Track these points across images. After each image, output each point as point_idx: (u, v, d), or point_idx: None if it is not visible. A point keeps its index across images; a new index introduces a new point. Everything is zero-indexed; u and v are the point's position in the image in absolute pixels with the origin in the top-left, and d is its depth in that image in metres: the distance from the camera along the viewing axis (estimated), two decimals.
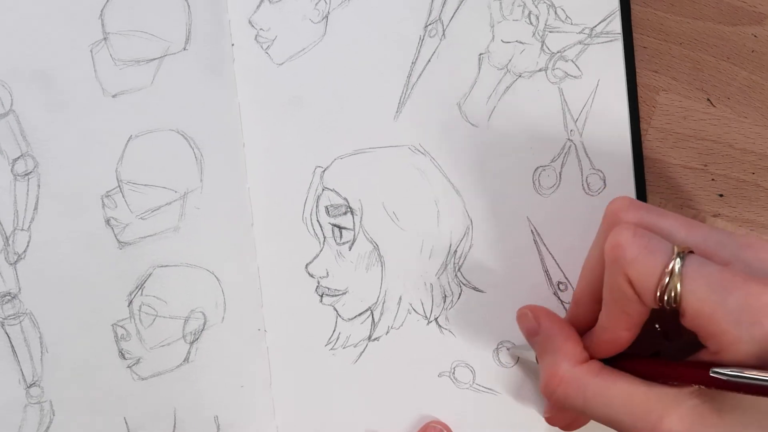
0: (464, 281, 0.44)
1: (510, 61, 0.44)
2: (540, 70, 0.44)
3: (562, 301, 0.43)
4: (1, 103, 0.41)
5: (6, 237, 0.41)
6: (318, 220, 0.44)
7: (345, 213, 0.44)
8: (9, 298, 0.41)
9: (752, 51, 0.44)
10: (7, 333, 0.41)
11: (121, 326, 0.42)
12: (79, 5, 0.42)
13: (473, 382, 0.44)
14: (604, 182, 0.44)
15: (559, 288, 0.43)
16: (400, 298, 0.44)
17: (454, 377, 0.44)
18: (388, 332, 0.44)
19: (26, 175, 0.41)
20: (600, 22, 0.44)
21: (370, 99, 0.44)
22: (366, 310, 0.44)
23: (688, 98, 0.44)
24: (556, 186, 0.44)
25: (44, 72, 0.42)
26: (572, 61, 0.44)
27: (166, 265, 0.43)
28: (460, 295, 0.44)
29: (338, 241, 0.44)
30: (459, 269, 0.44)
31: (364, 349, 0.44)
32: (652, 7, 0.44)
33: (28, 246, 0.41)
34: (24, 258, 0.41)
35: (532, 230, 0.44)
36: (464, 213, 0.44)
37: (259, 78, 0.44)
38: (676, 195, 0.44)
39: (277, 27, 0.44)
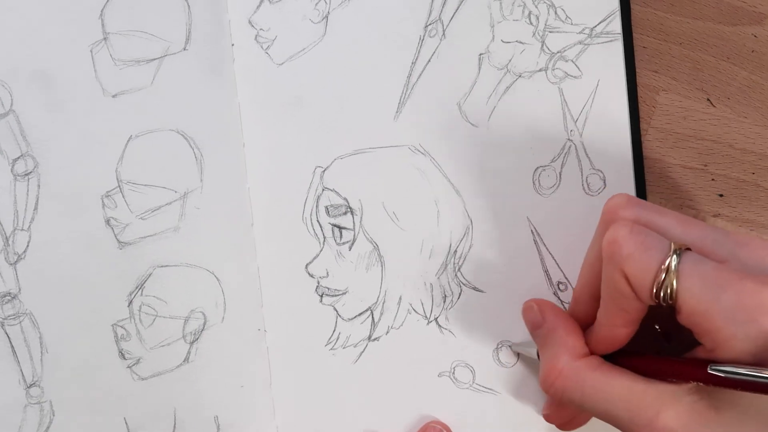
0: (464, 281, 0.44)
1: (510, 61, 0.44)
2: (540, 70, 0.44)
3: (562, 301, 0.43)
4: (1, 103, 0.41)
5: (6, 237, 0.41)
6: (318, 220, 0.44)
7: (345, 213, 0.44)
8: (9, 298, 0.41)
9: (752, 51, 0.44)
10: (7, 333, 0.41)
11: (121, 326, 0.42)
12: (79, 5, 0.42)
13: (473, 382, 0.44)
14: (604, 182, 0.44)
15: (559, 288, 0.43)
16: (400, 298, 0.44)
17: (454, 377, 0.44)
18: (388, 332, 0.44)
19: (26, 175, 0.41)
20: (600, 22, 0.44)
21: (370, 99, 0.44)
22: (366, 310, 0.44)
23: (688, 98, 0.44)
24: (556, 186, 0.44)
25: (44, 72, 0.42)
26: (572, 61, 0.44)
27: (166, 265, 0.43)
28: (460, 295, 0.44)
29: (338, 241, 0.44)
30: (459, 269, 0.44)
31: (364, 349, 0.44)
32: (652, 7, 0.44)
33: (28, 246, 0.41)
34: (24, 258, 0.41)
35: (532, 230, 0.44)
36: (464, 213, 0.44)
37: (259, 78, 0.44)
38: (676, 195, 0.44)
39: (277, 27, 0.44)
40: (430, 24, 0.44)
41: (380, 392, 0.44)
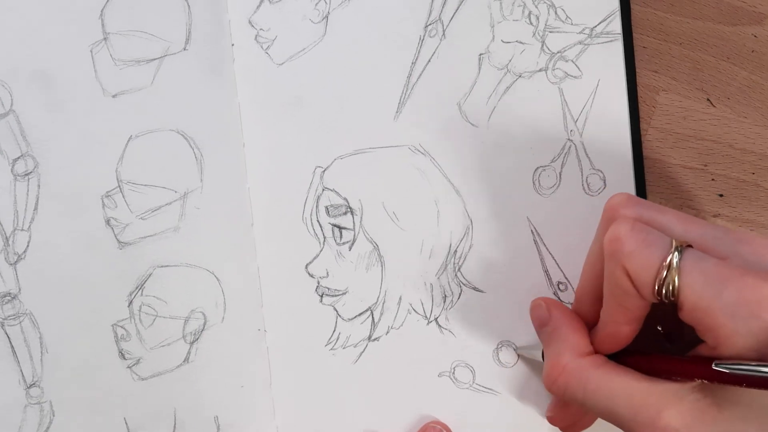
0: (464, 281, 0.44)
1: (510, 61, 0.44)
2: (540, 70, 0.44)
3: (562, 301, 0.43)
4: (1, 103, 0.41)
5: (6, 237, 0.41)
6: (318, 220, 0.44)
7: (345, 213, 0.44)
8: (9, 298, 0.41)
9: (752, 51, 0.44)
10: (7, 333, 0.41)
11: (121, 326, 0.42)
12: (79, 5, 0.42)
13: (473, 382, 0.44)
14: (604, 182, 0.44)
15: (559, 288, 0.43)
16: (400, 298, 0.44)
17: (454, 377, 0.44)
18: (388, 332, 0.44)
19: (26, 175, 0.41)
20: (600, 23, 0.44)
21: (370, 99, 0.44)
22: (366, 310, 0.44)
23: (688, 98, 0.44)
24: (556, 186, 0.44)
25: (44, 72, 0.42)
26: (572, 61, 0.44)
27: (166, 265, 0.43)
28: (460, 295, 0.44)
29: (338, 241, 0.44)
30: (459, 269, 0.44)
31: (364, 349, 0.44)
32: (652, 7, 0.44)
33: (28, 246, 0.41)
34: (24, 258, 0.41)
35: (532, 230, 0.44)
36: (464, 213, 0.44)
37: (259, 78, 0.44)
38: (676, 195, 0.44)
39: (277, 27, 0.44)
40: (430, 24, 0.44)
41: (380, 392, 0.44)
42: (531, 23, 0.44)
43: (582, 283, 0.38)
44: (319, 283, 0.44)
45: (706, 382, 0.32)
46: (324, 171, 0.44)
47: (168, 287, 0.43)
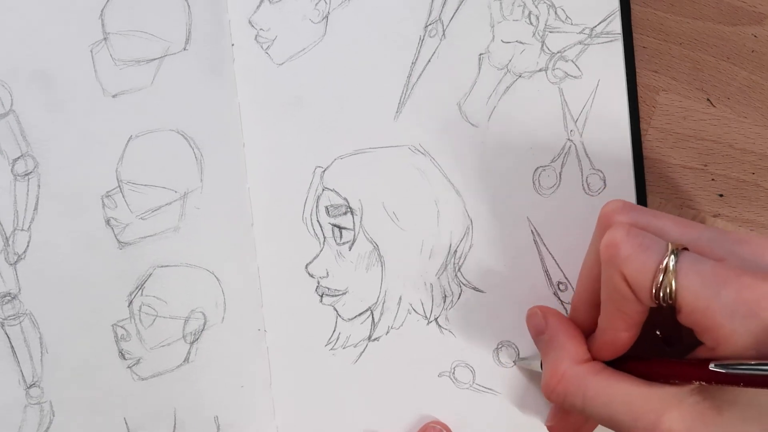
0: (464, 281, 0.44)
1: (510, 61, 0.44)
2: (540, 70, 0.44)
3: (562, 301, 0.43)
4: (1, 103, 0.41)
5: (6, 237, 0.41)
6: (318, 220, 0.44)
7: (345, 213, 0.44)
8: (9, 298, 0.41)
9: (752, 51, 0.44)
10: (7, 333, 0.41)
11: (121, 326, 0.42)
12: (79, 5, 0.42)
13: (473, 382, 0.44)
14: (604, 182, 0.44)
15: (559, 288, 0.43)
16: (400, 298, 0.44)
17: (454, 377, 0.44)
18: (388, 332, 0.44)
19: (26, 175, 0.41)
20: (600, 23, 0.44)
21: (370, 99, 0.44)
22: (366, 310, 0.44)
23: (688, 98, 0.44)
24: (556, 186, 0.44)
25: (44, 72, 0.42)
26: (572, 61, 0.44)
27: (166, 265, 0.43)
28: (460, 295, 0.44)
29: (338, 241, 0.44)
30: (459, 269, 0.44)
31: (364, 349, 0.44)
32: (652, 7, 0.44)
33: (28, 246, 0.41)
34: (24, 258, 0.41)
35: (532, 230, 0.44)
36: (464, 213, 0.44)
37: (259, 78, 0.44)
38: (676, 195, 0.44)
39: (277, 27, 0.44)
40: (430, 24, 0.44)
41: (380, 392, 0.44)
42: (531, 23, 0.44)
43: (578, 290, 0.38)
44: (319, 283, 0.44)
45: (704, 384, 0.32)
46: (324, 171, 0.44)
47: (168, 287, 0.43)
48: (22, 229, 0.41)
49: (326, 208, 0.44)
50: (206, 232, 0.43)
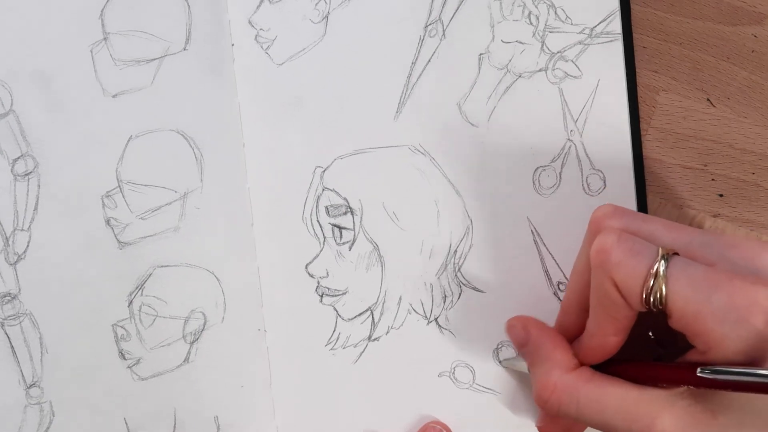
0: (464, 281, 0.44)
1: (510, 61, 0.44)
2: (540, 70, 0.44)
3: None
4: (1, 103, 0.41)
5: (6, 237, 0.41)
6: (318, 220, 0.44)
7: (345, 213, 0.44)
8: (9, 298, 0.41)
9: (752, 51, 0.44)
10: (6, 333, 0.41)
11: (121, 326, 0.42)
12: (79, 5, 0.42)
13: (473, 382, 0.44)
14: (604, 182, 0.44)
15: (559, 288, 0.43)
16: (400, 298, 0.44)
17: (454, 377, 0.44)
18: (388, 332, 0.44)
19: (26, 175, 0.41)
20: (600, 23, 0.44)
21: (370, 99, 0.44)
22: (366, 310, 0.44)
23: (688, 98, 0.44)
24: (556, 186, 0.44)
25: (44, 72, 0.42)
26: (572, 61, 0.44)
27: (166, 265, 0.43)
28: (460, 295, 0.44)
29: (338, 241, 0.44)
30: (459, 269, 0.44)
31: (364, 349, 0.44)
32: (652, 7, 0.44)
33: (28, 246, 0.41)
34: (24, 258, 0.41)
35: (532, 230, 0.44)
36: (464, 213, 0.44)
37: (259, 78, 0.44)
38: (676, 195, 0.44)
39: (277, 27, 0.44)
40: (430, 24, 0.44)
41: (380, 392, 0.44)
42: (531, 23, 0.44)
43: (568, 294, 0.38)
44: (319, 283, 0.44)
45: (692, 387, 0.32)
46: (324, 171, 0.44)
47: (168, 287, 0.43)
48: (22, 229, 0.41)
49: (326, 208, 0.44)
50: (206, 232, 0.43)
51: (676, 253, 0.33)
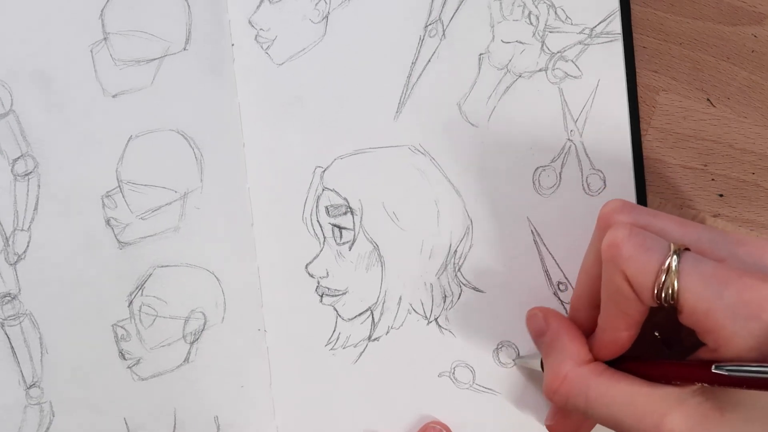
0: (464, 281, 0.44)
1: (510, 61, 0.44)
2: (540, 70, 0.44)
3: (562, 301, 0.43)
4: (1, 103, 0.41)
5: (6, 237, 0.41)
6: (318, 220, 0.44)
7: (345, 213, 0.44)
8: (9, 298, 0.41)
9: (752, 51, 0.44)
10: (6, 334, 0.41)
11: (122, 327, 0.42)
12: (79, 5, 0.42)
13: (473, 382, 0.44)
14: (604, 182, 0.44)
15: (559, 288, 0.43)
16: (400, 298, 0.44)
17: (454, 377, 0.44)
18: (388, 332, 0.44)
19: (26, 175, 0.41)
20: (600, 23, 0.44)
21: (370, 99, 0.44)
22: (366, 310, 0.44)
23: (688, 98, 0.44)
24: (556, 186, 0.44)
25: (44, 72, 0.42)
26: (572, 61, 0.44)
27: (166, 265, 0.43)
28: (460, 295, 0.44)
29: (338, 241, 0.44)
30: (459, 269, 0.44)
31: (364, 349, 0.44)
32: (652, 7, 0.44)
33: (28, 246, 0.41)
34: (24, 258, 0.41)
35: (532, 230, 0.44)
36: (464, 213, 0.44)
37: (259, 78, 0.44)
38: (676, 195, 0.44)
39: (277, 27, 0.44)
40: (430, 24, 0.44)
41: (380, 392, 0.44)
42: (531, 23, 0.44)
43: (578, 290, 0.38)
44: (319, 283, 0.44)
45: (706, 385, 0.32)
46: (324, 171, 0.44)
47: (168, 287, 0.43)
48: (22, 229, 0.41)
49: (326, 208, 0.44)
50: (206, 232, 0.43)
51: (687, 249, 0.32)
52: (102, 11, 0.42)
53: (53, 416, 0.41)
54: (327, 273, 0.44)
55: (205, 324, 0.43)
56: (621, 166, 0.43)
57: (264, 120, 0.44)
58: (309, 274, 0.44)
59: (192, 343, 0.43)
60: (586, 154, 0.44)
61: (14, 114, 0.41)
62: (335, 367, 0.44)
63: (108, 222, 0.42)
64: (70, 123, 0.42)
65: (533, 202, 0.44)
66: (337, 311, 0.44)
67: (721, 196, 0.44)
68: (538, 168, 0.44)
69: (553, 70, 0.44)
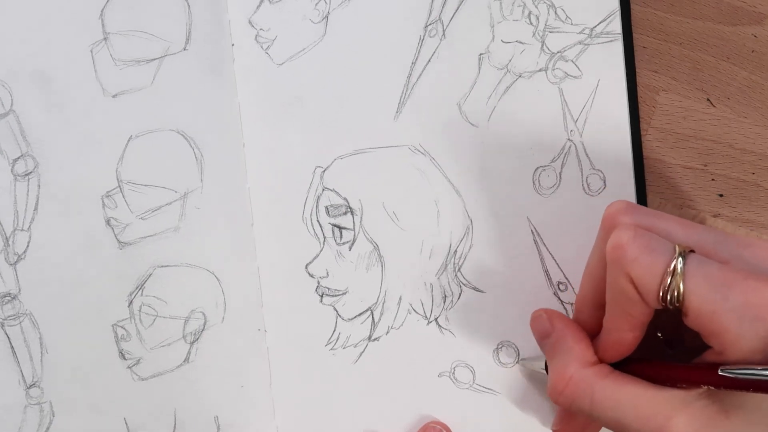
0: (464, 281, 0.44)
1: (510, 61, 0.44)
2: (540, 70, 0.44)
3: (562, 302, 0.43)
4: (1, 103, 0.41)
5: (6, 237, 0.41)
6: (318, 220, 0.44)
7: (345, 213, 0.44)
8: (9, 298, 0.41)
9: (752, 51, 0.44)
10: (6, 334, 0.41)
11: (122, 326, 0.42)
12: (79, 5, 0.42)
13: (473, 382, 0.44)
14: (604, 182, 0.44)
15: (559, 288, 0.43)
16: (400, 298, 0.44)
17: (454, 377, 0.44)
18: (388, 332, 0.44)
19: (26, 175, 0.41)
20: (600, 23, 0.44)
21: (370, 99, 0.44)
22: (366, 310, 0.44)
23: (688, 98, 0.44)
24: (556, 186, 0.44)
25: (44, 72, 0.42)
26: (572, 61, 0.44)
27: (166, 265, 0.43)
28: (460, 295, 0.44)
29: (338, 241, 0.44)
30: (459, 269, 0.44)
31: (364, 349, 0.44)
32: (652, 7, 0.44)
33: (28, 246, 0.41)
34: (24, 258, 0.41)
35: (532, 230, 0.44)
36: (464, 213, 0.44)
37: (259, 78, 0.44)
38: (676, 195, 0.44)
39: (277, 27, 0.44)
40: (430, 24, 0.44)
41: (380, 392, 0.44)
42: (531, 23, 0.44)
43: (582, 291, 0.38)
44: (319, 283, 0.44)
45: (713, 388, 0.32)
46: (324, 171, 0.44)
47: (168, 287, 0.43)
48: (22, 229, 0.41)
49: (326, 208, 0.44)
50: (206, 232, 0.43)
51: (691, 251, 0.32)
52: (102, 11, 0.42)
53: (53, 416, 0.41)
54: (327, 273, 0.44)
55: (205, 324, 0.43)
56: (621, 166, 0.43)
57: (264, 120, 0.44)
58: (309, 274, 0.44)
59: (192, 343, 0.43)
60: (586, 154, 0.44)
61: (14, 114, 0.41)
62: (335, 367, 0.44)
63: (108, 222, 0.42)
64: (70, 123, 0.42)
65: (533, 202, 0.44)
66: (337, 311, 0.44)
67: (721, 196, 0.44)
68: (538, 168, 0.44)
69: (553, 70, 0.44)
